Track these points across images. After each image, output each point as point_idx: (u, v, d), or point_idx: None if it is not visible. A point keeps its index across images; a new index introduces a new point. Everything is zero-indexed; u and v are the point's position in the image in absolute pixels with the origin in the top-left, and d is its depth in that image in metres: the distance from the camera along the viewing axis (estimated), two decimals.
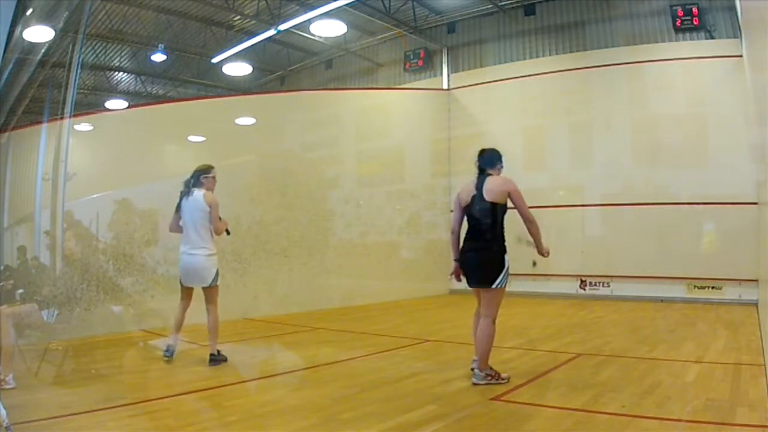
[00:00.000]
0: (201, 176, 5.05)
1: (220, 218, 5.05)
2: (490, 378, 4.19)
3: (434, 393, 4.07)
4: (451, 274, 4.51)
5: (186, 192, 5.04)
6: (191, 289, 5.07)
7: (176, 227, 5.13)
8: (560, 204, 10.44)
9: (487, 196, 4.21)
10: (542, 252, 4.31)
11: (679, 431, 3.17)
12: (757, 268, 8.18)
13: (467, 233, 4.36)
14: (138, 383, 4.49)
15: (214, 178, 5.11)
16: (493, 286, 4.15)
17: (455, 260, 4.46)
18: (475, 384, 4.18)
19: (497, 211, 4.21)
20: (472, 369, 4.30)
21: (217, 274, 5.01)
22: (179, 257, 5.08)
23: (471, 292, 4.48)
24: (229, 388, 4.29)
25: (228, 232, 5.17)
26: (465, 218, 4.39)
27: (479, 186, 4.27)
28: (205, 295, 5.02)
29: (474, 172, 4.39)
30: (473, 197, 4.28)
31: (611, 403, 3.66)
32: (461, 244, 4.41)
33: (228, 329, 7.16)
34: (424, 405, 3.72)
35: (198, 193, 4.99)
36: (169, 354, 4.95)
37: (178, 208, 5.07)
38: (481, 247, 4.24)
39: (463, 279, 4.42)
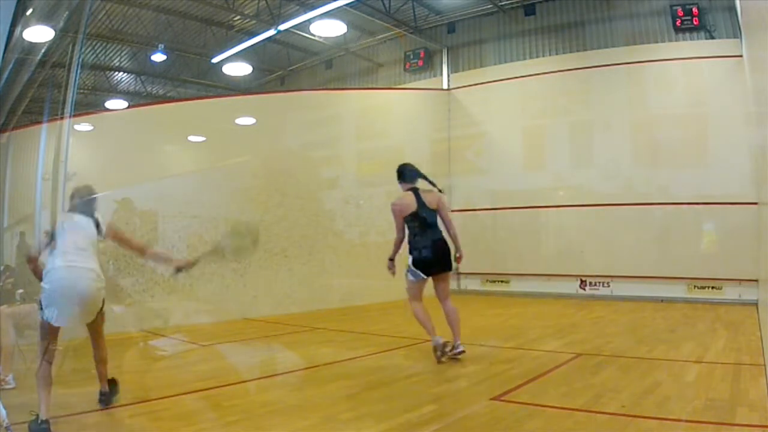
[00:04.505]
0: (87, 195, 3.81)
1: None
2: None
3: (434, 393, 4.07)
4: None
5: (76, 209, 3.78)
6: (58, 329, 3.45)
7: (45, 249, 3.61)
8: (560, 204, 10.43)
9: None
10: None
11: (679, 431, 3.17)
12: (757, 268, 8.17)
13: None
14: (138, 383, 4.49)
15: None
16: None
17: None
18: (461, 352, 5.03)
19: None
20: (455, 349, 5.04)
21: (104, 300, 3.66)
22: (51, 276, 3.41)
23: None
24: (229, 388, 4.29)
25: None
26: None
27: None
28: (95, 325, 3.65)
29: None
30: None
31: (611, 403, 3.66)
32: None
33: (228, 329, 7.19)
34: (424, 405, 3.72)
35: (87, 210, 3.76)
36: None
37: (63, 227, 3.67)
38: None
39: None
